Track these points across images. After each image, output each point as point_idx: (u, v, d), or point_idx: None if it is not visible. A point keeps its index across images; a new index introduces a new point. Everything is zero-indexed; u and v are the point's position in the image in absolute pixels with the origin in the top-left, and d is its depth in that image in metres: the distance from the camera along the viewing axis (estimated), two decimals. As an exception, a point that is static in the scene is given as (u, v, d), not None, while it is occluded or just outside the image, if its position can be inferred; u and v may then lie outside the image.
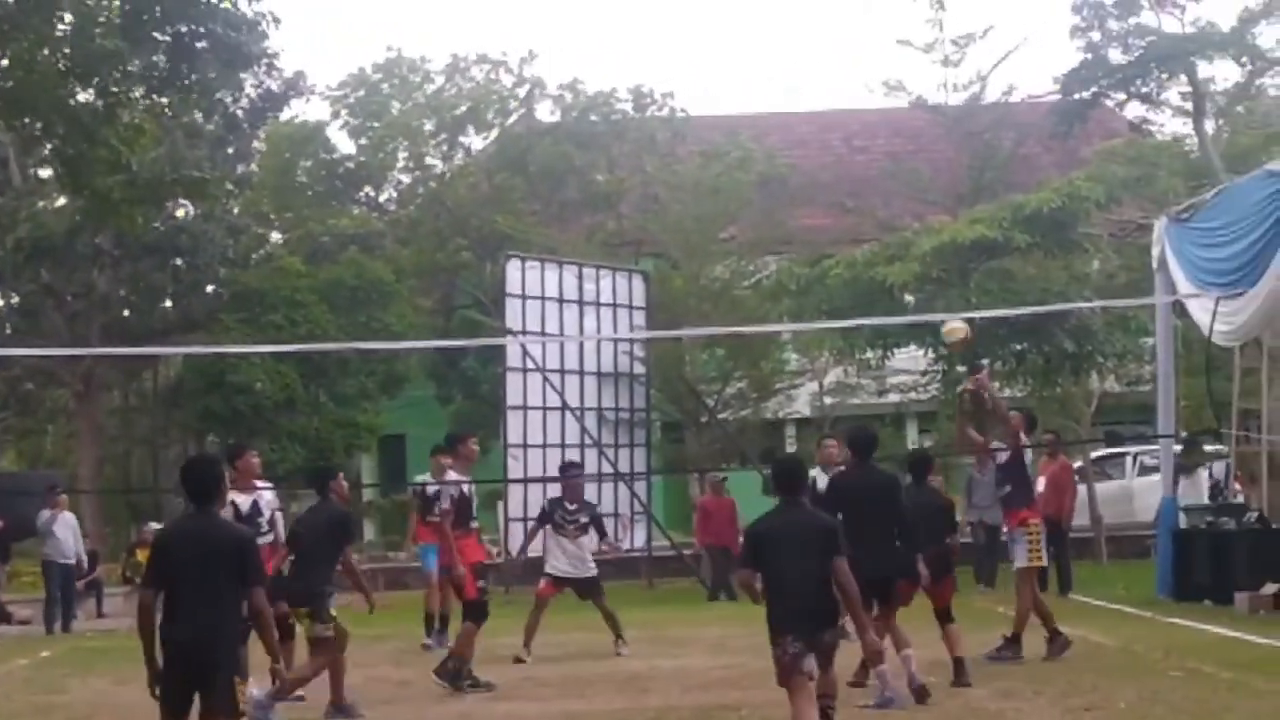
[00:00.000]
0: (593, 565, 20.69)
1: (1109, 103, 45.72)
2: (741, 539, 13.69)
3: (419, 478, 19.22)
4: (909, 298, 32.70)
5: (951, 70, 35.63)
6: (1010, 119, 40.71)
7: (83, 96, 29.47)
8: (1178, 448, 27.40)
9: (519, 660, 18.97)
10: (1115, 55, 42.97)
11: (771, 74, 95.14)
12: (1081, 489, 31.14)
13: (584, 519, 20.61)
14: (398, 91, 51.64)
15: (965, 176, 38.11)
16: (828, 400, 41.20)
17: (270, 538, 16.50)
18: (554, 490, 30.74)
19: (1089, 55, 43.03)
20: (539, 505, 32.53)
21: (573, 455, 33.35)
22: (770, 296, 35.73)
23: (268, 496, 17.25)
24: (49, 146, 31.88)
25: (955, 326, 20.16)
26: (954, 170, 39.82)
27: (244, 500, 16.60)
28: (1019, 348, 32.03)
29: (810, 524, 11.74)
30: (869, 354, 35.25)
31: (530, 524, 26.36)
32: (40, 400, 51.30)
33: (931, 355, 33.47)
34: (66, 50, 28.50)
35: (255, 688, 13.18)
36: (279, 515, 17.74)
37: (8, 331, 45.81)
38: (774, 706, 14.24)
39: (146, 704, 10.98)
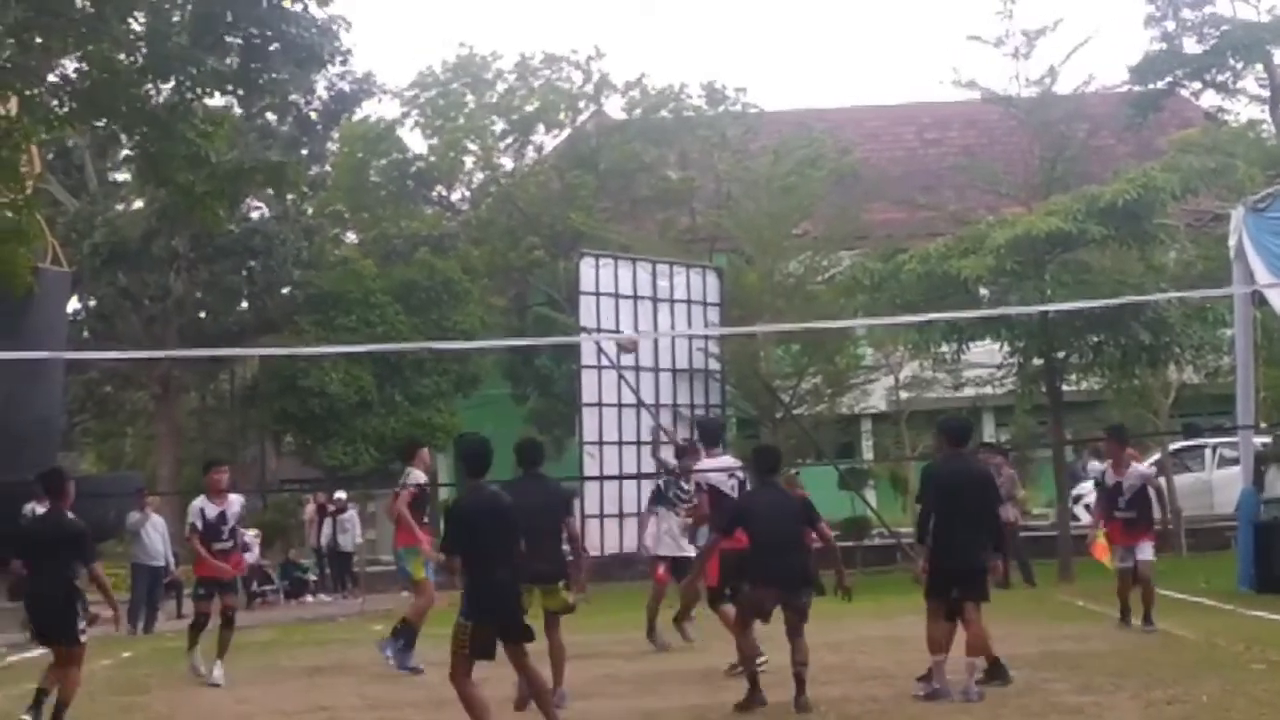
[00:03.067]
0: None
1: (1184, 92, 45.49)
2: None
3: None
4: (984, 291, 32.53)
5: (1023, 63, 35.40)
6: (1084, 110, 40.41)
7: (160, 95, 29.67)
8: (1261, 440, 27.24)
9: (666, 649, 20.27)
10: (1190, 44, 42.73)
11: (843, 68, 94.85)
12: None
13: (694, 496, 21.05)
14: (468, 91, 51.78)
15: (1039, 169, 37.76)
16: (903, 395, 41.05)
17: (229, 544, 18.96)
18: (630, 486, 31.00)
19: (1163, 45, 42.82)
20: (616, 502, 32.85)
21: (648, 452, 33.44)
22: (844, 291, 35.59)
23: (235, 509, 19.18)
24: (129, 144, 32.10)
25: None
26: (1027, 162, 39.47)
27: (212, 509, 18.84)
28: (1095, 340, 31.79)
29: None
30: (944, 348, 35.08)
31: (628, 513, 26.91)
32: (119, 403, 51.70)
33: (1007, 349, 33.31)
34: (142, 50, 28.68)
35: None
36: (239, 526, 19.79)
37: (86, 335, 46.15)
38: (849, 703, 14.23)
39: (227, 703, 11.11)
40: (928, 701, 14.22)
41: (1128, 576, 19.73)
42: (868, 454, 49.36)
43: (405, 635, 18.19)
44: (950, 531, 14.51)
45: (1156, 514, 20.60)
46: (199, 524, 18.69)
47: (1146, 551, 19.58)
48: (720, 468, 17.47)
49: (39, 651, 20.25)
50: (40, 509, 25.90)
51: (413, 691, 16.49)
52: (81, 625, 14.69)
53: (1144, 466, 20.79)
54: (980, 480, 15.18)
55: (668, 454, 23.87)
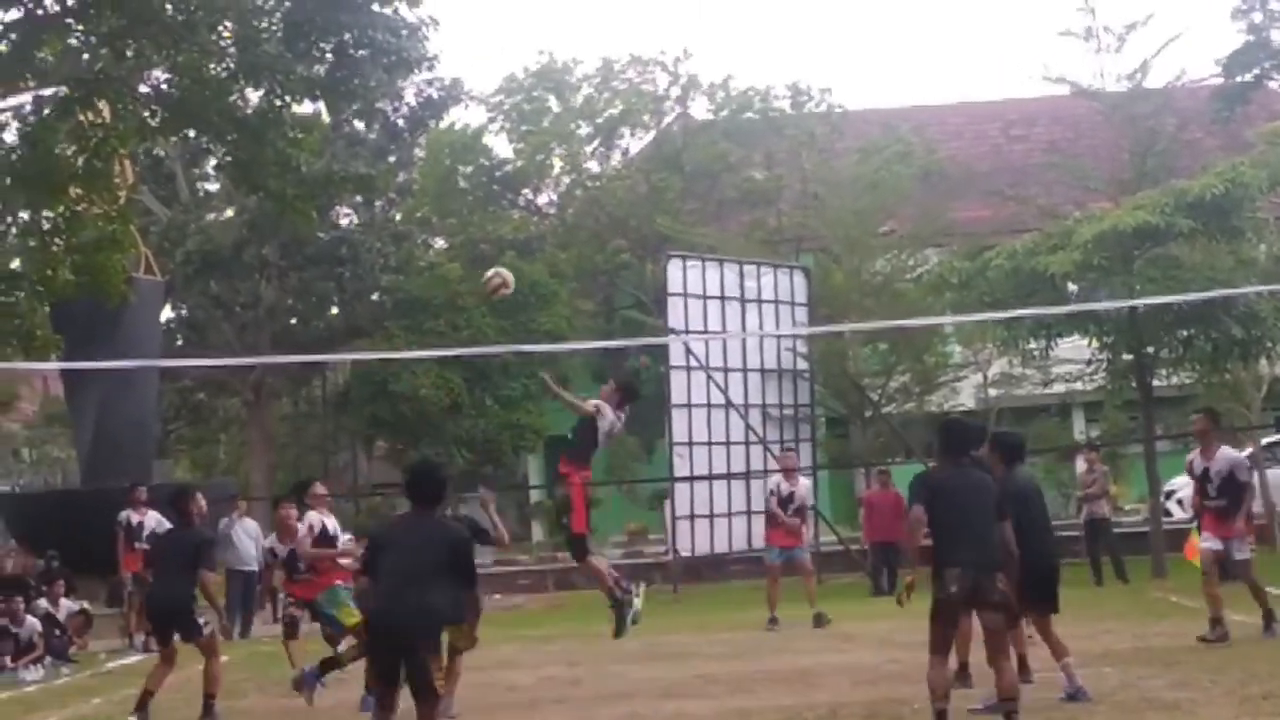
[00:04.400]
0: None
1: (1272, 84, 45.09)
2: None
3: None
4: (1072, 287, 32.39)
5: (1110, 57, 35.27)
6: (1172, 104, 40.18)
7: (248, 103, 29.98)
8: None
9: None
10: (1278, 37, 42.37)
11: (927, 66, 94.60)
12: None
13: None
14: (553, 95, 51.98)
15: (1127, 163, 37.58)
16: (992, 392, 40.94)
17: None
18: (719, 487, 31.13)
19: (1251, 37, 42.47)
20: (706, 502, 32.97)
21: (737, 452, 33.51)
22: (932, 289, 35.50)
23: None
24: (219, 153, 32.44)
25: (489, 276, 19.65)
26: (1115, 157, 39.26)
27: (317, 521, 18.26)
28: (1185, 334, 31.60)
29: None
30: (1032, 344, 34.95)
31: (718, 513, 27.65)
32: (212, 410, 52.11)
33: (1096, 344, 33.16)
34: (232, 57, 28.99)
35: None
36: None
37: (179, 343, 46.57)
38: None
39: (322, 708, 11.24)
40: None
41: (1213, 569, 18.29)
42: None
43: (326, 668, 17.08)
44: (1024, 541, 14.36)
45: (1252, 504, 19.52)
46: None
47: (1242, 550, 18.30)
48: None
49: (138, 657, 20.50)
50: (136, 517, 26.29)
51: (507, 694, 16.62)
52: (202, 620, 15.16)
53: (1233, 451, 19.33)
54: (1039, 492, 15.15)
55: None
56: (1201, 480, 18.64)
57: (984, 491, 12.93)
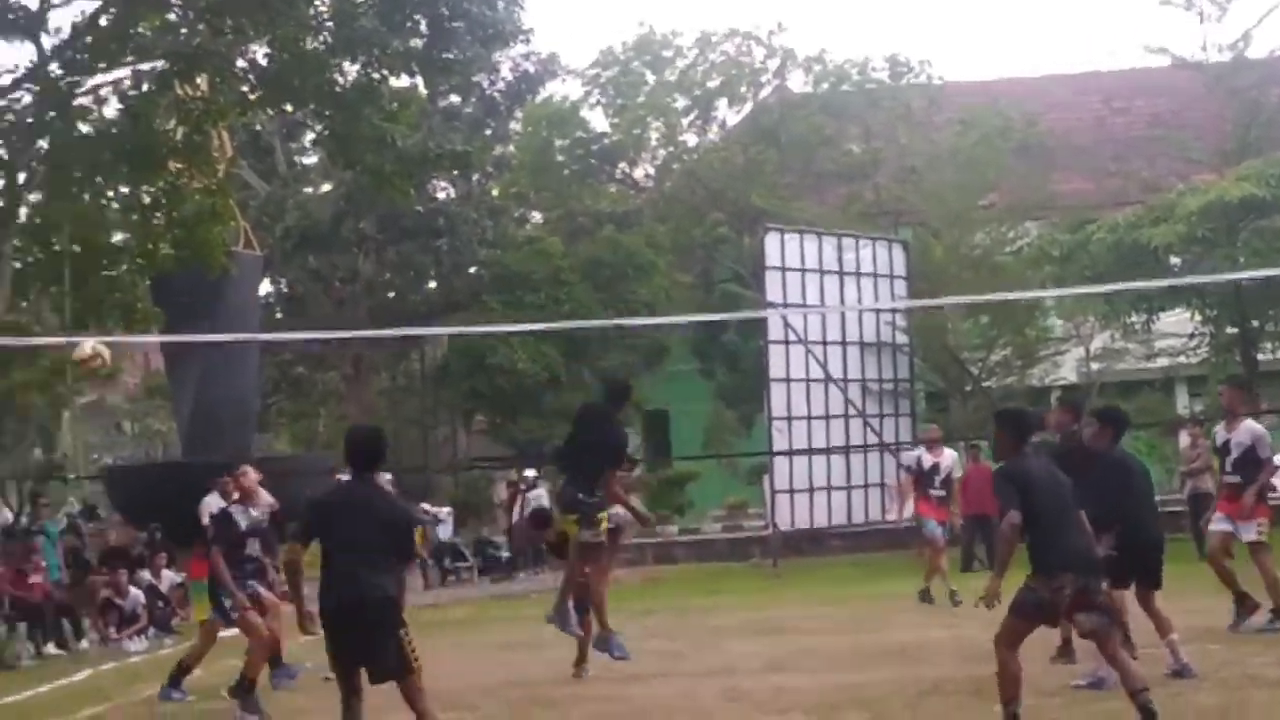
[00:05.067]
0: None
1: (1379, 52, 44.52)
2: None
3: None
4: (1175, 259, 32.10)
5: (1213, 27, 34.91)
6: (1275, 75, 39.75)
7: (345, 78, 30.10)
8: None
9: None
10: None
11: (1026, 38, 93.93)
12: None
13: None
14: (650, 69, 51.88)
15: (1230, 135, 37.27)
16: (1094, 366, 40.57)
17: None
18: (818, 461, 31.01)
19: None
20: (805, 476, 32.87)
21: (836, 426, 33.39)
22: (1032, 263, 35.28)
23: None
24: (317, 126, 32.61)
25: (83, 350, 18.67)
26: (1218, 129, 38.96)
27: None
28: (1291, 307, 31.35)
29: None
30: (1134, 318, 34.66)
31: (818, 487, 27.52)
32: (311, 384, 52.35)
33: (1199, 318, 32.85)
34: (329, 31, 29.10)
35: None
36: None
37: (278, 317, 46.81)
38: (1049, 676, 14.08)
39: (425, 677, 11.22)
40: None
41: (1221, 552, 17.23)
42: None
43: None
44: (1127, 515, 14.02)
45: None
46: None
47: (1249, 531, 17.05)
48: None
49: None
50: (220, 503, 26.45)
51: (605, 669, 16.57)
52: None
53: (1256, 424, 17.63)
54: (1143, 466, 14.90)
55: None
56: (1221, 453, 17.76)
57: (1065, 482, 12.03)
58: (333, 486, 12.50)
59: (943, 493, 23.37)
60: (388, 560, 11.08)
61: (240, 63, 29.70)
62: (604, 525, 15.35)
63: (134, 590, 25.10)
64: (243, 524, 15.72)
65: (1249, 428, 17.19)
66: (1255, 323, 31.70)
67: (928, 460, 23.46)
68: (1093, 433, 14.55)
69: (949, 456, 23.80)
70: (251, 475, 15.83)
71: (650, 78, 51.94)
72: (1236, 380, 19.41)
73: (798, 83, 52.15)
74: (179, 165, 29.55)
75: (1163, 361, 37.75)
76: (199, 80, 29.06)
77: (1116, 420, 14.74)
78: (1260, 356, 32.89)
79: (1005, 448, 12.02)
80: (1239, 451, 16.99)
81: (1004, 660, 11.44)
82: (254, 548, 15.84)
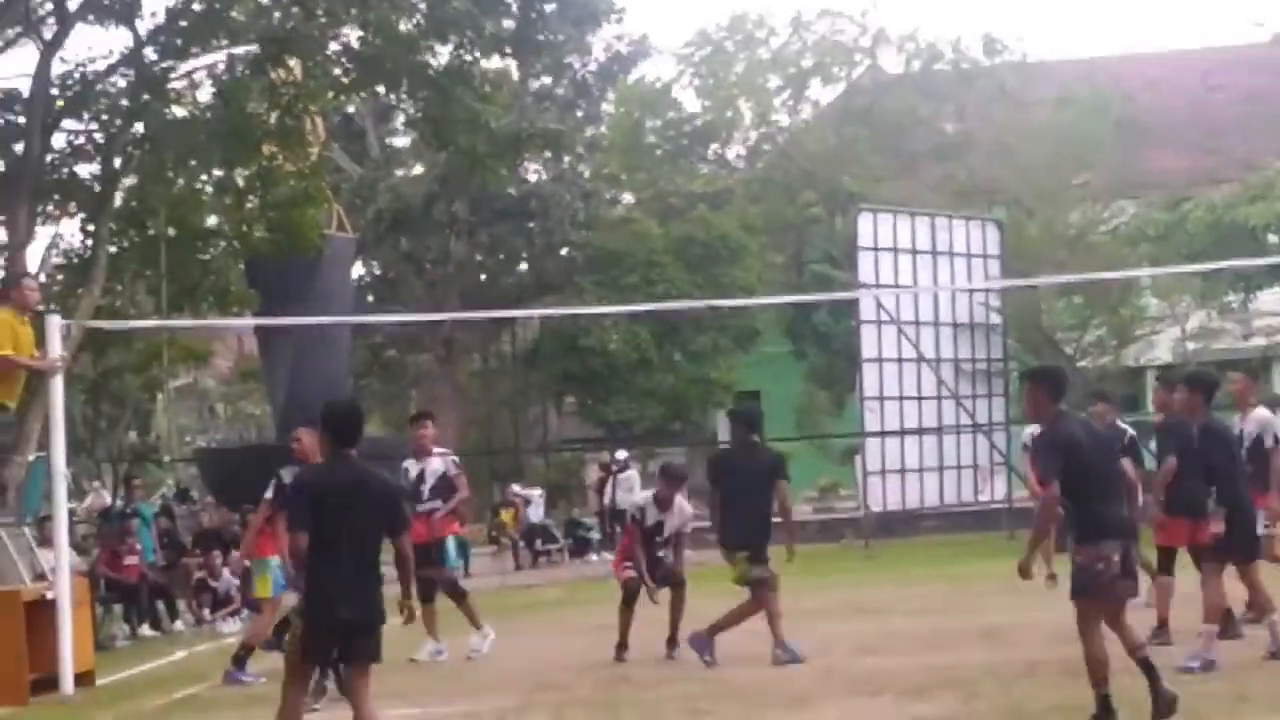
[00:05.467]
0: None
1: None
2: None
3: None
4: (1273, 238, 31.81)
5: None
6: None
7: (437, 60, 30.22)
8: None
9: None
10: None
11: (1121, 14, 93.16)
12: None
13: None
14: (742, 48, 51.77)
15: (1330, 112, 36.98)
16: (1190, 346, 40.25)
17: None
18: (911, 442, 30.83)
19: None
20: (898, 457, 32.75)
21: (929, 407, 33.25)
22: (1128, 242, 35.06)
23: (436, 467, 17.56)
24: (410, 109, 32.76)
25: None
26: (1317, 105, 38.66)
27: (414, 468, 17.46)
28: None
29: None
30: (1231, 297, 34.38)
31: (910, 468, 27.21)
32: (403, 366, 52.57)
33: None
34: (422, 13, 29.21)
35: None
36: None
37: (371, 299, 47.02)
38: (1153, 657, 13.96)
39: (519, 659, 11.27)
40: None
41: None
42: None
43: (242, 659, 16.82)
44: (1224, 489, 13.76)
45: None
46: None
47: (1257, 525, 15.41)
48: None
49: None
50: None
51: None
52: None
53: (1267, 412, 16.39)
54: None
55: None
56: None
57: (1108, 446, 11.95)
58: (315, 469, 12.02)
59: None
60: (379, 547, 10.76)
61: (333, 45, 29.83)
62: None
63: (227, 572, 25.27)
64: None
65: (1257, 417, 16.16)
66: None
67: None
68: (1183, 400, 14.32)
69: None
70: (306, 439, 15.30)
71: (743, 58, 51.84)
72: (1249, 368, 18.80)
73: (890, 62, 51.95)
74: (272, 149, 29.73)
75: (1260, 341, 37.44)
76: (292, 63, 29.21)
77: (1207, 385, 14.43)
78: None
79: (1041, 407, 11.63)
80: (1250, 441, 15.82)
81: (1085, 644, 11.20)
82: None
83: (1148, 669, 11.17)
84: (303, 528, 10.67)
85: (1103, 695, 11.13)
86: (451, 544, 17.64)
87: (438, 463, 17.64)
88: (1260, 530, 15.62)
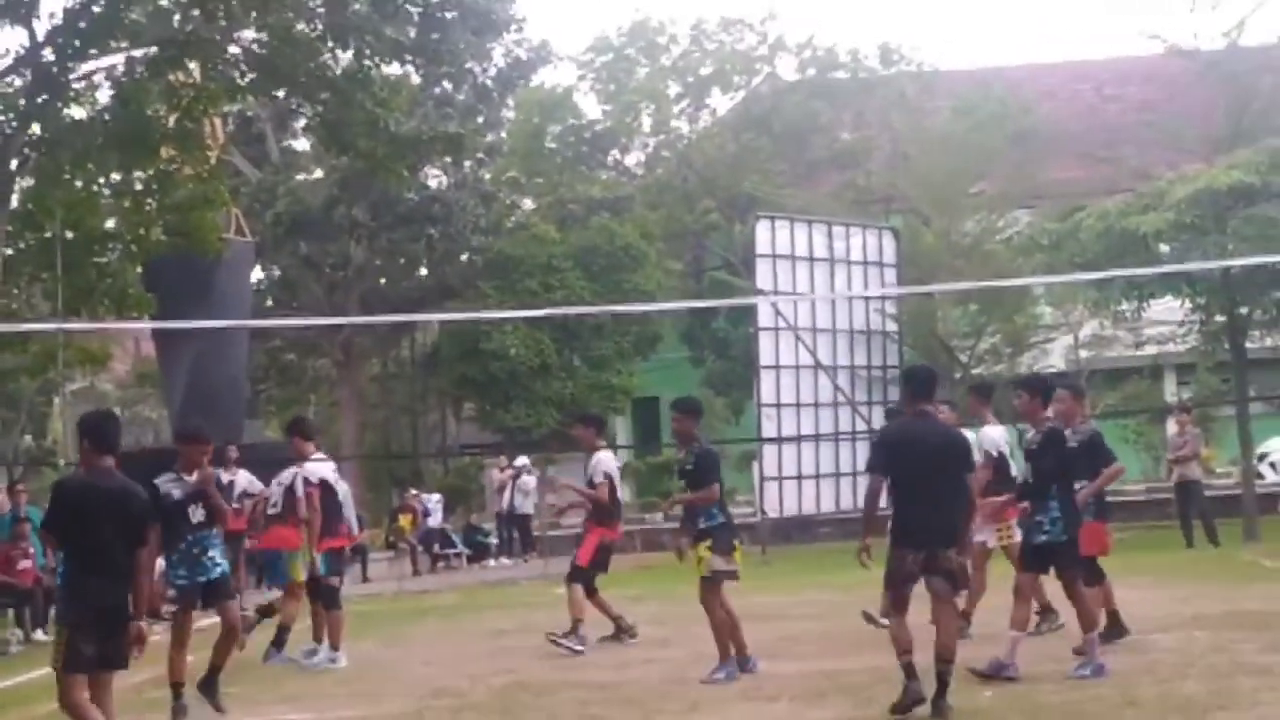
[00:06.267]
0: None
1: (1374, 40, 44.47)
2: None
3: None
4: (1164, 247, 32.14)
5: (1207, 15, 34.97)
6: (1271, 63, 39.78)
7: (337, 65, 30.17)
8: None
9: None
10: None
11: (1018, 25, 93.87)
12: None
13: None
14: (644, 55, 51.90)
15: (1221, 123, 37.28)
16: (1083, 354, 40.64)
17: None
18: (808, 449, 30.87)
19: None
20: (795, 464, 32.90)
21: (826, 414, 33.45)
22: (1022, 250, 35.33)
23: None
24: (309, 113, 32.67)
25: None
26: (1209, 117, 38.93)
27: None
28: (1279, 295, 31.40)
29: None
30: (1124, 306, 34.73)
31: (806, 474, 27.00)
32: (302, 370, 52.46)
33: (1188, 306, 32.93)
34: (321, 18, 29.17)
35: None
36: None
37: (269, 304, 46.84)
38: (1044, 663, 14.14)
39: (413, 665, 11.31)
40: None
41: None
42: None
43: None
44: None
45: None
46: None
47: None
48: None
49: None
50: (226, 476, 26.48)
51: (597, 655, 16.66)
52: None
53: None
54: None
55: None
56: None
57: (931, 453, 12.11)
58: (73, 477, 11.87)
59: None
60: (132, 555, 10.94)
61: (232, 49, 29.73)
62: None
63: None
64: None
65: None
66: (1244, 310, 31.74)
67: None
68: (1023, 404, 14.40)
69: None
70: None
71: (644, 64, 51.96)
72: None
73: (790, 70, 52.20)
74: (171, 151, 29.59)
75: (1151, 349, 37.80)
76: (191, 66, 29.10)
77: (1039, 387, 14.65)
78: (1249, 344, 32.95)
79: (904, 403, 12.38)
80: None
81: (890, 624, 12.28)
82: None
83: (942, 681, 11.89)
84: (52, 533, 11.22)
85: (906, 664, 12.02)
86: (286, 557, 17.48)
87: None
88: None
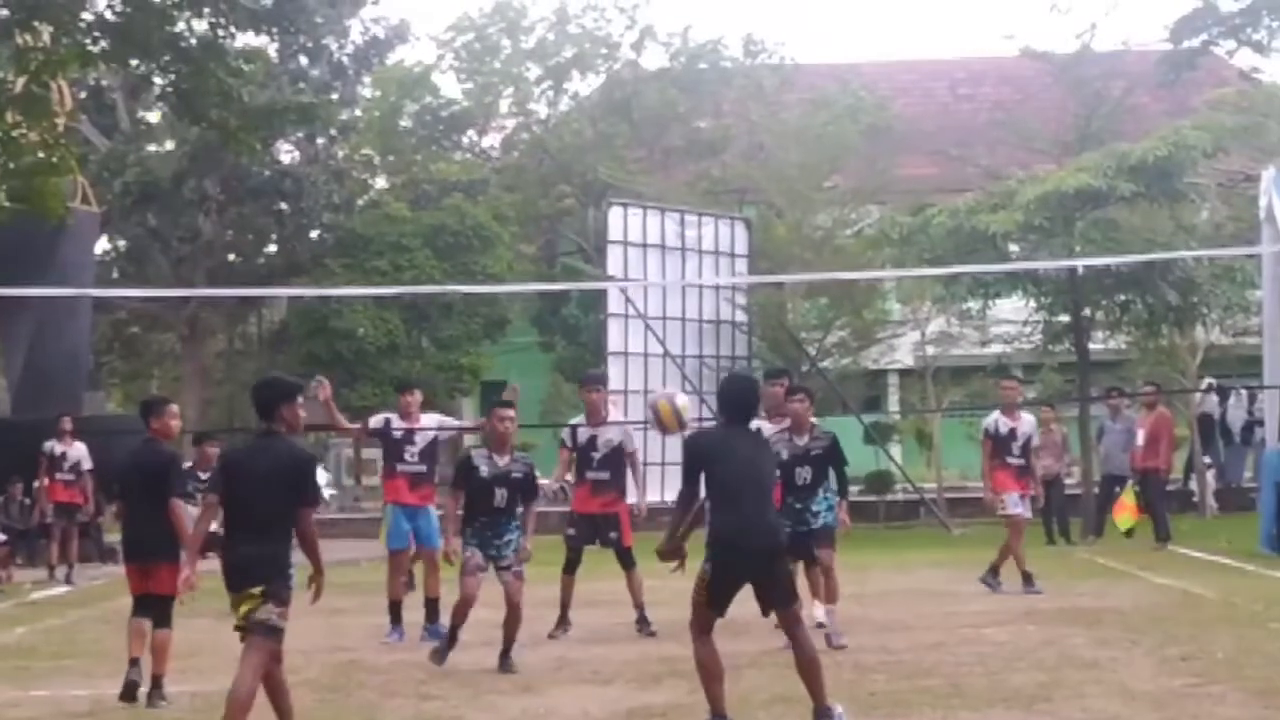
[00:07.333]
0: None
1: (1219, 51, 45.17)
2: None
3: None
4: (1012, 247, 32.51)
5: (1060, 18, 35.43)
6: (1120, 68, 40.33)
7: (191, 33, 29.83)
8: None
9: None
10: (1226, 3, 42.49)
11: (876, 22, 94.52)
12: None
13: None
14: (505, 36, 51.65)
15: (1073, 125, 37.79)
16: (930, 350, 41.00)
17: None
18: (654, 437, 30.89)
19: (1200, 3, 42.55)
20: (641, 451, 32.85)
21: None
22: (873, 245, 35.62)
23: None
24: (161, 82, 32.27)
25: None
26: (1061, 119, 39.45)
27: None
28: (1123, 298, 31.84)
29: None
30: (971, 303, 35.08)
31: (652, 462, 27.17)
32: (146, 344, 51.82)
33: (1034, 305, 33.32)
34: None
35: None
36: None
37: (115, 275, 46.22)
38: (864, 653, 14.22)
39: (230, 643, 11.18)
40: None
41: None
42: (893, 408, 49.46)
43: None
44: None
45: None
46: None
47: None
48: None
49: (63, 589, 20.43)
50: (60, 448, 26.15)
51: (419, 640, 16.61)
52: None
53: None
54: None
55: None
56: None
57: (749, 458, 11.72)
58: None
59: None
60: None
61: (85, 14, 29.31)
62: None
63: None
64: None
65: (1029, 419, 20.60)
66: (1088, 312, 32.17)
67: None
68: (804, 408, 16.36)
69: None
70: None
71: (505, 46, 51.70)
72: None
73: (654, 59, 52.18)
74: (17, 116, 29.10)
75: (997, 348, 38.20)
76: (41, 29, 28.64)
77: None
78: (1092, 345, 33.40)
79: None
80: (1022, 441, 20.68)
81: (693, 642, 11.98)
82: None
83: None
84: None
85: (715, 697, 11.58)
86: None
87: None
88: None
